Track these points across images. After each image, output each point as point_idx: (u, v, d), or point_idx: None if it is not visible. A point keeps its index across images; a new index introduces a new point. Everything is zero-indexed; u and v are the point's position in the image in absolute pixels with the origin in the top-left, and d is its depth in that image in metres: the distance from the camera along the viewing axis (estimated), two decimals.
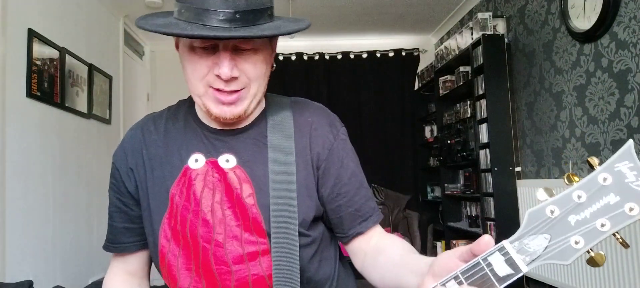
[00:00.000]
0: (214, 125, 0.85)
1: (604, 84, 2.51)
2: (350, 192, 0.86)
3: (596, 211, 0.54)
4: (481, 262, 0.55)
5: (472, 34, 3.57)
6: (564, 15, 2.76)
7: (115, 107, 3.91)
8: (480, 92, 3.39)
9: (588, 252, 0.54)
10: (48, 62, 2.79)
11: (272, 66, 0.86)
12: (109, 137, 3.76)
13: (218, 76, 0.75)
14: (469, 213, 4.01)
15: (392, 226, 4.27)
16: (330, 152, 0.85)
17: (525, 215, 0.56)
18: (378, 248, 0.84)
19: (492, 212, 3.27)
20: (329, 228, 0.90)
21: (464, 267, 0.55)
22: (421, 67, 5.05)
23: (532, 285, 3.17)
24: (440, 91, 4.23)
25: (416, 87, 5.07)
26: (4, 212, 2.33)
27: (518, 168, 3.32)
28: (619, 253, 2.32)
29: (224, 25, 0.71)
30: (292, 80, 4.87)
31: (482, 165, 3.42)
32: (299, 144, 0.84)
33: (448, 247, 4.09)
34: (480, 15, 3.45)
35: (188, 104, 0.90)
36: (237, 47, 0.76)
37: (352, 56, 5.02)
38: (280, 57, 4.89)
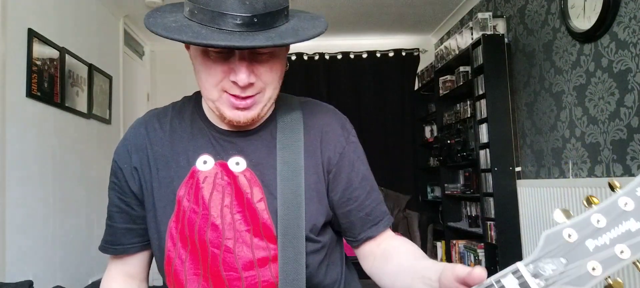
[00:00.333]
0: (222, 126, 0.82)
1: (604, 84, 2.51)
2: (361, 196, 0.84)
3: (616, 237, 0.51)
4: (494, 284, 0.53)
5: (472, 34, 3.57)
6: (564, 15, 2.76)
7: (115, 107, 3.91)
8: (480, 92, 3.39)
9: (606, 279, 0.51)
10: (48, 62, 2.79)
11: (286, 65, 0.84)
12: (109, 137, 3.76)
13: (234, 82, 0.73)
14: (469, 213, 4.01)
15: (392, 226, 4.28)
16: (341, 156, 0.83)
17: (541, 238, 0.54)
18: (387, 253, 0.83)
19: (492, 212, 3.27)
20: (337, 231, 0.89)
21: None
22: (421, 67, 5.05)
23: None
24: (440, 91, 4.23)
25: (416, 87, 5.07)
26: (4, 212, 2.33)
27: (518, 169, 3.32)
28: None
29: (241, 30, 0.67)
30: (292, 80, 4.87)
31: (482, 165, 3.42)
32: (309, 148, 0.82)
33: (448, 247, 4.10)
34: (480, 15, 3.45)
35: (194, 102, 0.87)
36: (254, 53, 0.73)
37: (352, 56, 5.02)
38: None
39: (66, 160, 3.01)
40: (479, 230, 3.54)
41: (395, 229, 4.36)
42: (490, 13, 3.48)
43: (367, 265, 0.87)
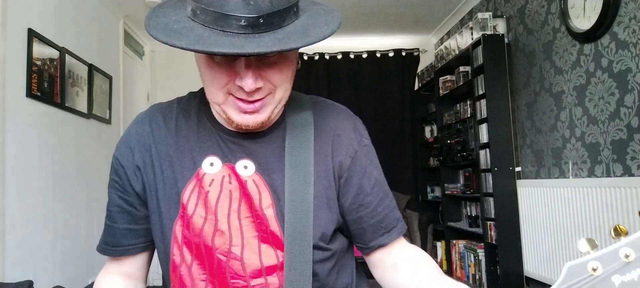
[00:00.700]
0: (230, 127, 0.78)
1: (604, 84, 2.51)
2: (373, 203, 0.80)
3: None
4: None
5: (472, 34, 3.57)
6: (564, 15, 2.76)
7: (115, 107, 3.91)
8: (480, 92, 3.39)
9: None
10: (48, 62, 2.79)
11: (297, 64, 0.78)
12: (109, 137, 3.76)
13: (240, 87, 0.68)
14: (469, 213, 4.01)
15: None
16: (353, 160, 0.79)
17: (563, 269, 0.50)
18: (397, 266, 0.79)
19: (492, 212, 3.27)
20: (347, 236, 0.85)
21: None
22: (421, 67, 5.05)
23: (532, 285, 3.17)
24: (440, 91, 4.23)
25: (416, 87, 5.07)
26: (4, 212, 2.33)
27: (518, 169, 3.32)
28: None
29: (246, 32, 0.63)
30: None
31: (482, 165, 3.42)
32: (319, 152, 0.78)
33: (448, 247, 4.10)
34: (480, 15, 3.45)
35: (200, 99, 0.81)
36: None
37: (352, 56, 5.02)
38: None
39: (66, 160, 3.01)
40: (479, 230, 3.54)
41: None
42: (490, 13, 3.48)
43: (377, 274, 0.84)
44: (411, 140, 4.99)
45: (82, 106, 3.25)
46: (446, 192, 4.19)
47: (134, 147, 0.79)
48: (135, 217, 0.81)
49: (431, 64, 4.70)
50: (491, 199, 3.29)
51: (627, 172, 2.36)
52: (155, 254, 0.85)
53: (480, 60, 3.36)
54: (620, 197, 2.32)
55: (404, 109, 5.02)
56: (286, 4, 0.65)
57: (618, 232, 0.49)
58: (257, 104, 0.71)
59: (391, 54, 5.04)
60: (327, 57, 5.00)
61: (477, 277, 3.56)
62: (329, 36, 0.68)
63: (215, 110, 0.76)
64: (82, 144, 3.26)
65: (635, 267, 0.47)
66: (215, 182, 0.75)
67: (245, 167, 0.76)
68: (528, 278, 3.19)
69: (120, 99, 4.03)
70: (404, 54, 5.06)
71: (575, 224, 2.67)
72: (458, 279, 4.06)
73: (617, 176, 2.43)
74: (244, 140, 0.77)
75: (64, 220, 2.95)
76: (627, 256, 0.47)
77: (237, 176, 0.75)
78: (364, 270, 0.93)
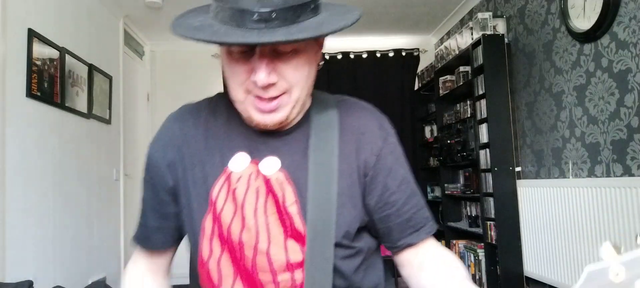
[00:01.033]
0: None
1: (604, 84, 2.51)
2: (399, 201, 0.80)
3: None
4: None
5: (472, 34, 3.57)
6: (564, 15, 2.76)
7: (115, 107, 3.91)
8: (480, 92, 3.39)
9: None
10: (48, 62, 2.79)
11: (319, 64, 0.80)
12: (109, 137, 3.76)
13: (256, 83, 0.70)
14: (469, 213, 4.01)
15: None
16: (378, 159, 0.79)
17: (583, 273, 0.48)
18: (423, 266, 0.80)
19: (492, 212, 3.28)
20: (375, 236, 0.85)
21: None
22: (421, 67, 5.05)
23: (532, 285, 3.17)
24: (440, 91, 4.23)
25: (416, 87, 5.07)
26: (4, 212, 2.33)
27: (518, 169, 3.32)
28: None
29: (259, 27, 0.65)
30: None
31: (482, 165, 3.42)
32: (344, 150, 0.79)
33: (448, 247, 4.10)
34: (480, 15, 3.45)
35: (229, 99, 0.82)
36: (276, 50, 0.70)
37: (352, 56, 5.02)
38: None
39: (66, 160, 3.01)
40: (479, 230, 3.54)
41: None
42: (490, 13, 3.48)
43: (405, 273, 0.84)
44: (411, 140, 4.99)
45: (82, 106, 3.25)
46: (446, 192, 4.19)
47: (165, 146, 0.82)
48: (165, 215, 0.84)
49: (431, 64, 4.70)
50: (491, 199, 3.29)
51: (627, 172, 2.37)
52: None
53: (480, 60, 3.36)
54: (620, 197, 2.32)
55: (404, 109, 5.02)
56: (301, 0, 0.67)
57: None
58: (273, 103, 0.72)
59: (391, 54, 5.04)
60: (327, 57, 5.00)
61: (477, 277, 3.56)
62: (342, 29, 0.68)
63: (239, 110, 0.77)
64: (82, 144, 3.26)
65: None
66: (242, 178, 0.76)
67: (271, 164, 0.77)
68: (528, 278, 3.19)
69: (120, 99, 4.03)
70: (404, 54, 5.06)
71: (575, 224, 2.67)
72: None
73: (617, 176, 2.43)
74: (270, 138, 0.79)
75: (64, 220, 2.95)
76: None
77: (263, 175, 0.77)
78: (389, 268, 0.93)
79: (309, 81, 0.76)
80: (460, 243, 3.89)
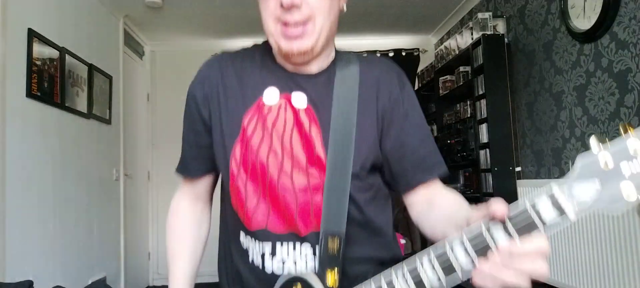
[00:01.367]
0: (287, 66, 0.89)
1: (604, 84, 2.51)
2: (414, 143, 0.89)
3: None
4: (529, 208, 0.56)
5: (472, 34, 3.57)
6: (564, 15, 2.76)
7: (115, 107, 3.91)
8: (480, 92, 3.39)
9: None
10: (48, 62, 2.79)
11: (342, 9, 0.90)
12: (109, 137, 3.76)
13: (281, 5, 0.79)
14: None
15: (392, 226, 4.27)
16: (395, 103, 0.88)
17: (576, 162, 0.56)
18: (431, 201, 0.88)
19: None
20: (388, 183, 0.93)
21: (513, 213, 0.57)
22: (421, 67, 5.05)
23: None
24: (440, 91, 4.23)
25: (416, 87, 5.07)
26: (4, 212, 2.33)
27: (518, 169, 3.32)
28: (618, 253, 2.32)
29: None
30: None
31: (482, 165, 3.42)
32: (364, 95, 0.87)
33: None
34: (480, 15, 3.45)
35: (263, 47, 0.94)
36: None
37: None
38: None
39: (66, 160, 3.02)
40: None
41: (395, 229, 4.35)
42: (490, 13, 3.48)
43: (414, 213, 0.91)
44: None
45: (82, 106, 3.25)
46: None
47: (203, 81, 0.92)
48: (200, 146, 0.94)
49: (431, 64, 4.70)
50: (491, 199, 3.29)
51: None
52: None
53: (480, 60, 3.36)
54: None
55: None
56: None
57: (626, 129, 0.54)
58: (299, 29, 0.81)
59: (391, 54, 5.03)
60: None
61: None
62: None
63: (271, 43, 0.86)
64: (82, 144, 3.26)
65: None
66: (273, 109, 0.86)
67: (299, 99, 0.87)
68: None
69: (120, 99, 4.03)
70: (404, 54, 5.06)
71: (575, 224, 2.67)
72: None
73: None
74: (299, 77, 0.89)
75: (64, 220, 2.95)
76: (635, 150, 0.52)
77: (292, 106, 0.86)
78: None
79: (332, 14, 0.85)
80: None
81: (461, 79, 3.82)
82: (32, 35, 2.61)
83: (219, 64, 0.93)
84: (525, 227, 0.56)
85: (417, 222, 0.90)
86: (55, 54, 2.89)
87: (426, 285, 0.62)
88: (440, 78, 4.24)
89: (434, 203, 0.87)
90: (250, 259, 0.86)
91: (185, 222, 1.00)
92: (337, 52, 0.94)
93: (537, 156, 3.15)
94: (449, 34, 4.71)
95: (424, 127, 0.91)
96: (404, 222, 4.33)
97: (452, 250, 0.61)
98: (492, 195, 3.27)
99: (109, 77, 3.76)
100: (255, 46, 0.97)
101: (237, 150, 0.86)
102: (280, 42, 0.83)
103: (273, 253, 0.84)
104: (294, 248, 0.83)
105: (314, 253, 0.82)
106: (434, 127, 4.72)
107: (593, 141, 0.55)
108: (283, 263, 0.83)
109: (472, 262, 0.59)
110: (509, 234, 0.57)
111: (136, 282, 4.32)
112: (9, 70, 2.40)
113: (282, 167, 0.83)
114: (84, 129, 3.30)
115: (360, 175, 0.85)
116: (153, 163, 4.82)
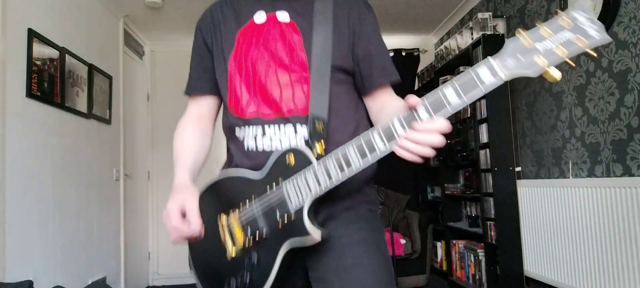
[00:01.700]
0: None
1: (604, 84, 2.51)
2: (379, 52, 1.13)
3: (557, 42, 0.76)
4: (471, 71, 0.82)
5: (472, 34, 3.57)
6: None
7: (115, 107, 3.91)
8: None
9: (546, 69, 0.77)
10: (48, 62, 2.79)
11: None
12: (109, 137, 3.76)
13: None
14: (469, 213, 4.01)
15: (392, 226, 4.27)
16: (364, 21, 1.11)
17: (506, 44, 0.80)
18: (384, 105, 1.11)
19: (492, 212, 3.27)
20: (357, 87, 1.14)
21: (458, 77, 0.82)
22: (421, 67, 5.05)
23: (532, 285, 3.17)
24: None
25: (416, 87, 5.07)
26: (4, 212, 2.33)
27: (518, 168, 3.32)
28: (617, 253, 2.32)
29: None
30: None
31: (482, 165, 3.42)
32: (338, 14, 1.09)
33: (448, 247, 4.09)
34: (480, 15, 3.45)
35: None
36: None
37: None
38: None
39: (66, 160, 3.01)
40: (479, 230, 3.54)
41: (395, 229, 4.35)
42: (490, 13, 3.48)
43: (372, 115, 1.14)
44: None
45: (82, 106, 3.25)
46: (446, 192, 4.19)
47: (206, 16, 1.18)
48: (205, 67, 1.17)
49: (431, 64, 4.70)
50: (491, 199, 3.29)
51: (627, 172, 2.37)
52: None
53: (480, 60, 3.36)
54: (620, 197, 2.32)
55: None
56: None
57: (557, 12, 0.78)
58: None
59: (391, 54, 5.04)
60: None
61: (477, 277, 3.56)
62: None
63: None
64: (82, 143, 3.26)
65: (550, 39, 0.78)
66: (262, 25, 1.09)
67: (283, 15, 1.09)
68: (528, 278, 3.19)
69: (120, 99, 4.03)
70: (404, 53, 5.06)
71: (575, 224, 2.67)
72: (458, 279, 4.03)
73: (617, 176, 2.43)
74: (284, 3, 1.10)
75: (64, 220, 2.95)
76: (546, 31, 0.78)
77: (277, 22, 1.08)
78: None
79: None
80: (460, 243, 3.89)
81: None
82: (32, 35, 2.61)
83: (221, 4, 1.17)
84: (468, 87, 0.82)
85: (374, 121, 1.11)
86: (55, 53, 2.89)
87: (396, 136, 0.89)
88: (440, 78, 4.24)
89: (386, 105, 1.10)
90: (245, 146, 1.07)
91: (190, 132, 1.18)
92: None
93: (537, 156, 3.15)
94: (449, 34, 4.71)
95: (383, 44, 1.15)
96: (404, 222, 4.33)
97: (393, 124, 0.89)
98: (492, 195, 3.27)
99: (109, 77, 3.76)
100: None
101: (232, 59, 1.09)
102: None
103: (264, 133, 1.05)
104: (280, 129, 1.04)
105: (295, 132, 1.03)
106: None
107: (518, 32, 0.79)
108: (271, 141, 1.04)
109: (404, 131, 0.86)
110: (430, 114, 0.83)
111: (136, 282, 4.32)
112: (9, 70, 2.40)
113: (268, 67, 1.05)
114: (84, 128, 3.30)
115: (339, 66, 1.07)
116: (153, 163, 4.82)
